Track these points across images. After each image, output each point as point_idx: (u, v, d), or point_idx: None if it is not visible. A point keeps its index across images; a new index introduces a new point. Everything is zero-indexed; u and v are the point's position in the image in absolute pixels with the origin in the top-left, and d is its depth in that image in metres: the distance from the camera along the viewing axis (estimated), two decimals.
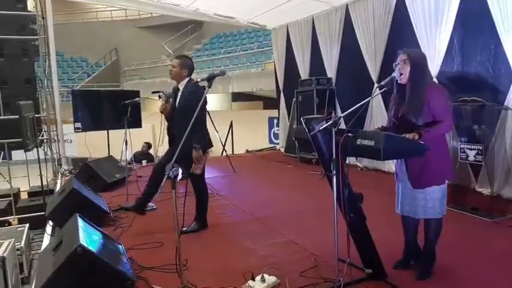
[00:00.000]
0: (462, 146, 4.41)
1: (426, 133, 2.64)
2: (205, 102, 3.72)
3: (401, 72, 2.77)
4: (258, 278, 2.82)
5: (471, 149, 4.32)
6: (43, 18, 6.86)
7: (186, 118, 3.58)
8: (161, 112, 4.10)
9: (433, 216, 2.82)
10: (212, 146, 4.25)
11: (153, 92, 5.87)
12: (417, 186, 2.80)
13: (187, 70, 3.97)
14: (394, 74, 2.79)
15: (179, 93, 4.01)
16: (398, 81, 2.81)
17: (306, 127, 2.63)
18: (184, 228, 3.96)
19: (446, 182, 2.86)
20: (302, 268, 3.05)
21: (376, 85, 6.26)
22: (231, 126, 9.00)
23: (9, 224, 5.88)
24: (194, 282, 2.88)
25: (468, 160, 4.39)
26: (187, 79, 3.99)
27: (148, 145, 10.07)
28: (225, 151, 7.82)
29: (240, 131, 9.84)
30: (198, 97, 3.51)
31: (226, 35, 21.44)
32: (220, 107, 18.89)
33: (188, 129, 2.86)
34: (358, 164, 6.70)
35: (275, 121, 10.70)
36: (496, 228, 3.89)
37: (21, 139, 5.38)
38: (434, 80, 4.93)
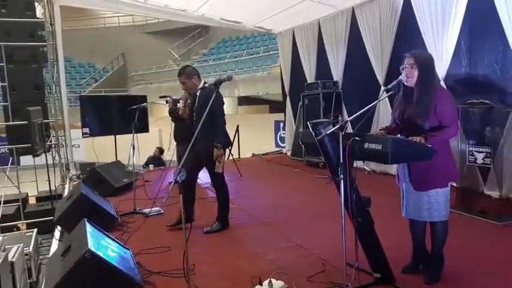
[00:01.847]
0: (470, 148, 4.37)
1: (432, 138, 2.62)
2: (221, 103, 4.09)
3: (409, 76, 2.76)
4: (266, 282, 2.81)
5: (479, 152, 4.28)
6: (51, 24, 6.95)
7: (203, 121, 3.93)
8: (181, 115, 4.37)
9: (438, 219, 2.80)
10: (232, 144, 4.43)
11: (161, 97, 5.90)
12: (419, 188, 2.78)
13: (195, 76, 4.14)
14: (401, 77, 2.78)
15: (197, 98, 4.17)
16: (406, 84, 2.80)
17: (312, 131, 2.63)
18: (207, 228, 4.13)
19: (450, 184, 2.84)
20: (310, 273, 3.03)
21: (382, 88, 6.24)
22: (237, 130, 9.00)
23: (18, 229, 5.92)
24: (202, 286, 2.89)
25: (476, 163, 4.34)
26: (201, 83, 4.16)
27: (160, 150, 10.10)
28: (232, 155, 7.82)
29: (246, 135, 9.83)
30: (214, 100, 3.83)
31: (233, 39, 21.54)
32: (226, 111, 18.92)
33: (198, 129, 3.01)
34: (365, 167, 6.67)
35: (281, 125, 10.69)
36: (505, 231, 3.85)
37: (30, 144, 5.43)
38: (442, 82, 4.92)
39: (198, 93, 4.14)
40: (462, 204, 4.40)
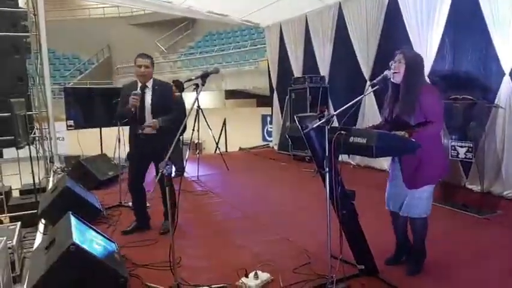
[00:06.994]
0: (453, 143, 4.45)
1: (415, 133, 2.67)
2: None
3: (396, 70, 2.78)
4: (252, 274, 2.84)
5: (462, 147, 4.36)
6: (35, 15, 6.79)
7: (162, 115, 3.83)
8: (133, 106, 3.81)
9: (417, 215, 2.83)
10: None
11: None
12: (411, 186, 2.81)
13: (154, 68, 4.02)
14: (386, 72, 2.80)
15: (148, 92, 3.89)
16: (392, 80, 2.83)
17: (299, 125, 2.65)
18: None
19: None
20: (295, 265, 3.07)
21: (368, 83, 6.30)
22: (224, 123, 8.99)
23: (1, 222, 5.83)
24: (188, 279, 2.90)
25: (459, 157, 4.43)
26: (153, 77, 4.00)
27: None
28: (219, 149, 7.82)
29: (234, 129, 9.84)
30: (171, 93, 4.01)
31: (220, 32, 21.40)
32: (213, 104, 18.86)
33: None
34: (350, 161, 6.74)
35: (268, 119, 10.71)
36: (486, 224, 3.95)
37: (13, 137, 5.34)
38: (426, 78, 4.98)
39: (149, 87, 3.90)
40: (444, 198, 4.50)
